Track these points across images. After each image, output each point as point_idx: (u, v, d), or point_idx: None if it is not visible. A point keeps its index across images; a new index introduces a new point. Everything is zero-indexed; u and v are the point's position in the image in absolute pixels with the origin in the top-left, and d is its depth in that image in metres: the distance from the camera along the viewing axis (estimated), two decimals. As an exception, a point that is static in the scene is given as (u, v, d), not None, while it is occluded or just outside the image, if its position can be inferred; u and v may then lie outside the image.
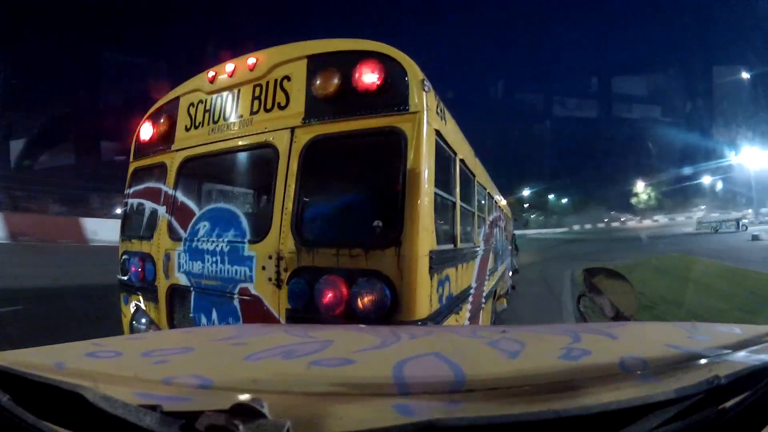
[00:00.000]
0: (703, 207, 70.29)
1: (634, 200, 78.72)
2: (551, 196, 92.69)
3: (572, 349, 1.10)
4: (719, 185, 66.73)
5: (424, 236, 1.87)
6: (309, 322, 1.92)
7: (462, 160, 2.76)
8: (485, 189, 4.32)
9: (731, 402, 0.64)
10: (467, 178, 3.09)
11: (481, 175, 3.84)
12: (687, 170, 71.81)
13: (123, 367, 0.99)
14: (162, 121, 2.84)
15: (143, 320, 2.67)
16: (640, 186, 77.63)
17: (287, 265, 2.08)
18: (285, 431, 0.54)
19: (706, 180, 67.75)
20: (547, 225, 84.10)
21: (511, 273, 8.76)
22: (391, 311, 1.82)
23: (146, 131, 2.94)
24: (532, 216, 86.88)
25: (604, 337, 1.30)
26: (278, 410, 0.59)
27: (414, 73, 1.98)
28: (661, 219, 70.94)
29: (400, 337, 1.30)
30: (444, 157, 2.25)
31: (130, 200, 3.01)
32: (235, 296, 2.24)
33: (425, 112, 1.94)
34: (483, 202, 4.13)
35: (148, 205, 2.85)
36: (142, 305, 2.72)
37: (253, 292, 2.18)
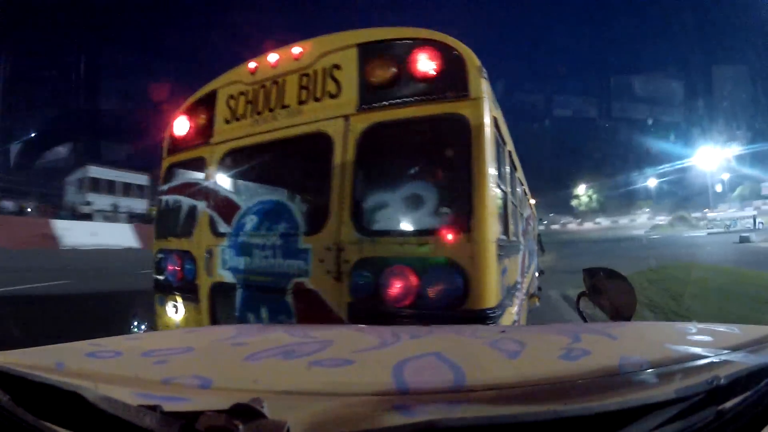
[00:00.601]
0: (647, 210, 69.01)
1: (574, 202, 76.09)
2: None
3: (572, 349, 1.10)
4: (665, 187, 66.80)
5: (493, 222, 1.84)
6: (373, 315, 1.87)
7: (510, 152, 2.70)
8: (522, 184, 4.24)
9: (731, 402, 0.64)
10: (513, 169, 3.00)
11: (519, 169, 3.72)
12: (631, 172, 71.90)
13: (123, 367, 0.99)
14: (198, 114, 2.74)
15: (181, 321, 2.59)
16: (581, 188, 75.38)
17: (348, 256, 1.99)
18: (285, 431, 0.55)
19: (651, 183, 67.28)
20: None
21: (537, 274, 8.59)
22: (462, 300, 1.77)
23: (181, 126, 2.81)
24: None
25: (604, 337, 1.30)
26: (278, 410, 0.59)
27: (472, 59, 1.96)
28: (603, 222, 68.75)
29: (400, 337, 1.30)
30: (499, 146, 2.20)
31: (166, 197, 2.89)
32: (288, 292, 2.14)
33: (485, 99, 1.92)
34: (521, 196, 3.99)
35: (186, 200, 2.74)
36: (181, 306, 2.61)
37: (310, 286, 2.08)
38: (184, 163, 2.81)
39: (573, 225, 72.92)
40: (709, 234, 35.20)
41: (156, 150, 3.34)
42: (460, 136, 1.87)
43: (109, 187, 41.45)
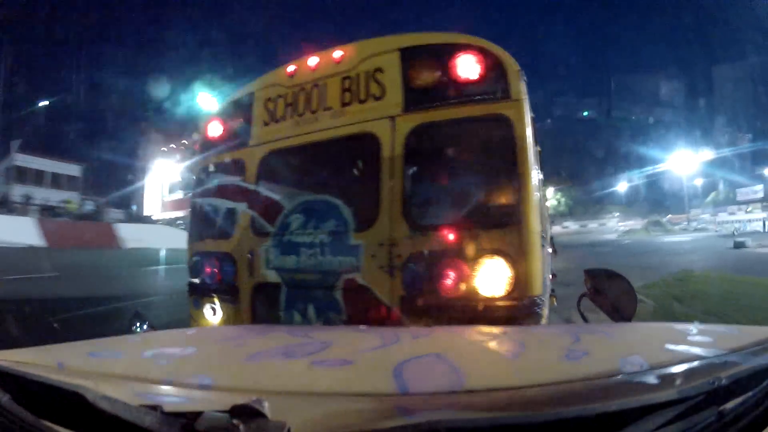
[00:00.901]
0: (617, 214, 66.72)
1: None
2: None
3: (572, 349, 1.10)
4: (636, 192, 64.36)
5: (536, 216, 1.94)
6: (426, 308, 1.95)
7: (539, 151, 2.78)
8: (545, 183, 4.42)
9: (732, 403, 0.64)
10: (541, 167, 3.08)
11: (542, 168, 3.76)
12: (601, 176, 68.69)
13: (123, 366, 0.99)
14: (234, 118, 2.77)
15: (218, 324, 2.58)
16: (549, 191, 73.17)
17: (401, 251, 2.05)
18: None
19: (621, 187, 64.44)
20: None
21: (551, 276, 8.14)
22: (513, 288, 1.86)
23: (215, 129, 2.84)
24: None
25: (605, 338, 1.30)
26: (279, 411, 0.59)
27: (511, 64, 2.07)
28: (572, 225, 63.50)
29: (401, 337, 1.30)
30: (535, 145, 2.32)
31: (200, 199, 2.88)
32: (338, 288, 2.19)
33: (525, 101, 2.04)
34: (545, 194, 4.10)
35: (224, 203, 2.73)
36: (219, 308, 2.60)
37: (361, 281, 2.13)
38: (220, 165, 2.82)
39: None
40: (693, 238, 32.09)
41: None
42: (504, 136, 1.98)
43: (37, 177, 37.32)
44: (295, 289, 2.34)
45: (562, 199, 69.09)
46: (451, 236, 1.98)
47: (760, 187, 57.23)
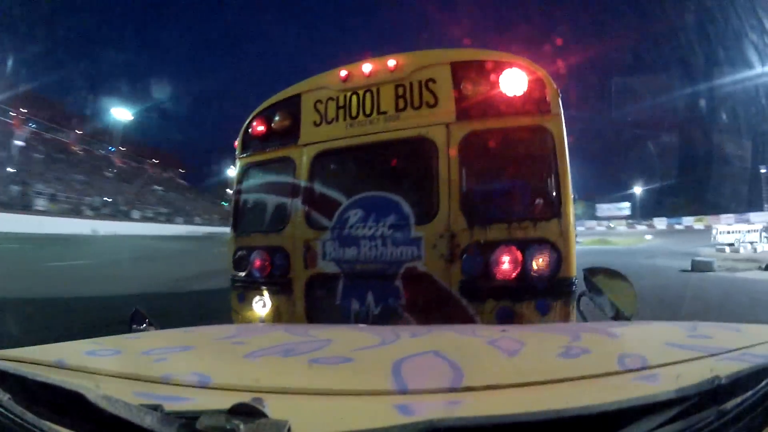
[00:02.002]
0: None
1: None
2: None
3: (572, 348, 1.10)
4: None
5: (572, 210, 2.29)
6: (482, 289, 2.26)
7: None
8: None
9: (732, 402, 0.64)
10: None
11: None
12: None
13: (123, 365, 0.99)
14: (280, 117, 2.85)
15: (268, 315, 2.68)
16: None
17: (460, 241, 2.33)
18: (285, 431, 0.54)
19: None
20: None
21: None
22: (556, 270, 2.19)
23: (260, 127, 2.93)
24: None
25: (604, 337, 1.30)
26: (279, 410, 0.59)
27: (550, 82, 2.38)
28: None
29: (400, 335, 1.30)
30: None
31: (244, 195, 3.00)
32: (399, 276, 2.41)
33: (562, 116, 2.36)
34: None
35: (272, 198, 2.88)
36: (269, 300, 2.70)
37: (422, 269, 2.37)
38: (267, 162, 2.94)
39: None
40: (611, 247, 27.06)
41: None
42: (546, 144, 2.32)
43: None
44: (354, 279, 2.51)
45: None
46: (504, 227, 2.29)
47: (627, 204, 60.00)
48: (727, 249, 19.39)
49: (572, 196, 2.33)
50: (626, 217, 59.21)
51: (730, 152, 52.27)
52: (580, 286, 2.35)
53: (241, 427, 0.53)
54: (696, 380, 0.65)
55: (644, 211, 59.54)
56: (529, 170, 2.49)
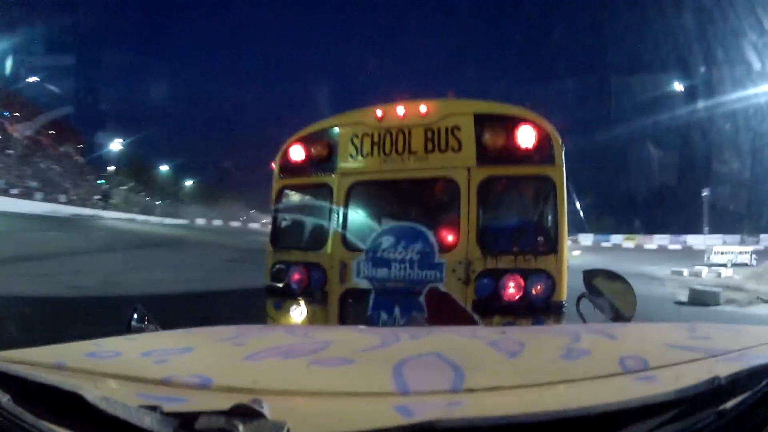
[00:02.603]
0: None
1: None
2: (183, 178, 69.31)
3: (572, 349, 1.10)
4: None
5: (566, 248, 2.73)
6: (491, 307, 2.67)
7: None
8: None
9: (731, 403, 0.64)
10: None
11: None
12: None
13: (123, 367, 0.99)
14: (318, 146, 3.13)
15: (302, 322, 3.00)
16: None
17: (475, 267, 2.74)
18: None
19: None
20: (163, 212, 61.50)
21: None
22: (550, 295, 2.62)
23: (297, 154, 3.21)
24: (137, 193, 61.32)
25: (604, 338, 1.30)
26: (278, 411, 0.59)
27: (557, 138, 2.77)
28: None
29: (400, 337, 1.30)
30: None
31: (282, 215, 3.35)
32: (423, 294, 2.80)
33: (564, 167, 2.75)
34: None
35: (309, 220, 3.22)
36: (304, 308, 3.02)
37: (442, 289, 2.79)
38: (304, 187, 3.32)
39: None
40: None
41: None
42: (549, 190, 2.77)
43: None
44: (384, 294, 2.87)
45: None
46: (512, 259, 2.70)
47: None
48: (723, 271, 17.69)
49: (566, 233, 2.79)
50: None
51: (667, 172, 51.75)
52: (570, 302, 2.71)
53: (240, 428, 0.53)
54: (695, 381, 0.65)
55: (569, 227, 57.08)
56: (533, 211, 3.05)
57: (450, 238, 2.87)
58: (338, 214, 3.04)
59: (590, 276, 2.50)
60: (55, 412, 0.63)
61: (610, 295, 2.37)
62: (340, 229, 3.03)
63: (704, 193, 44.87)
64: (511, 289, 2.66)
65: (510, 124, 2.79)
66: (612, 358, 0.96)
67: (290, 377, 0.94)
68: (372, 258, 2.95)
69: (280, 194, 3.34)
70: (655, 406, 0.61)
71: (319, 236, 3.12)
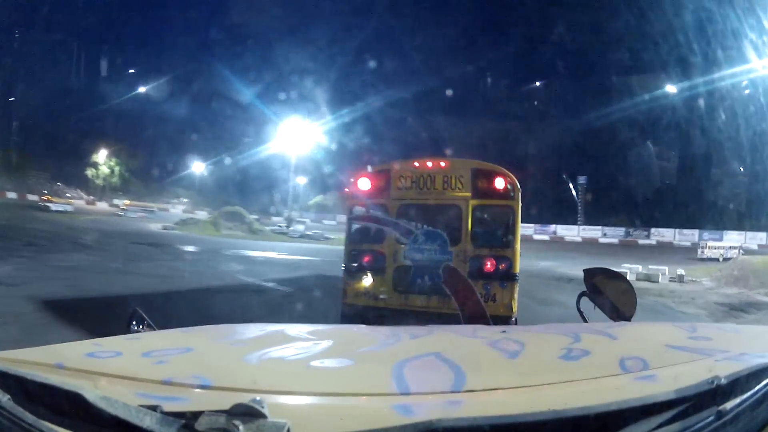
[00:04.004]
0: (185, 200, 50.60)
1: (90, 173, 51.01)
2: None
3: (572, 349, 1.10)
4: (219, 178, 49.33)
5: (519, 242, 4.73)
6: (477, 276, 4.55)
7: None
8: None
9: (731, 403, 0.64)
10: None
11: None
12: (173, 148, 50.29)
13: (123, 367, 0.99)
14: (377, 180, 5.06)
15: (369, 285, 4.86)
16: (102, 155, 50.60)
17: (469, 254, 4.67)
18: None
19: (197, 168, 49.65)
20: None
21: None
22: (509, 268, 4.57)
23: (364, 184, 5.08)
24: None
25: (604, 338, 1.30)
26: (278, 410, 0.59)
27: (515, 182, 4.74)
28: (132, 207, 44.14)
29: (400, 337, 1.30)
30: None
31: (354, 222, 5.24)
32: (440, 266, 4.70)
33: (520, 200, 4.76)
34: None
35: (373, 226, 5.02)
36: (370, 277, 4.87)
37: (450, 264, 4.68)
38: (368, 205, 5.12)
39: (82, 203, 45.76)
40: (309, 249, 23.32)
41: None
42: (510, 213, 4.79)
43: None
44: (419, 269, 4.76)
45: (117, 169, 51.06)
46: (488, 250, 4.72)
47: None
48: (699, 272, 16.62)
49: (519, 237, 4.83)
50: None
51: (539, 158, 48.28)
52: (522, 279, 4.91)
53: (241, 427, 0.53)
54: (695, 381, 0.65)
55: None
56: (501, 225, 4.97)
57: (455, 237, 4.78)
58: (391, 223, 4.93)
59: (590, 275, 2.50)
60: (55, 412, 0.63)
61: (610, 294, 2.36)
62: (393, 231, 4.92)
63: (581, 181, 44.51)
64: (488, 266, 4.65)
65: (491, 175, 4.79)
66: (612, 358, 0.96)
67: (290, 377, 0.94)
68: (412, 248, 4.81)
69: (353, 208, 5.28)
70: (654, 406, 0.61)
71: (380, 235, 4.97)
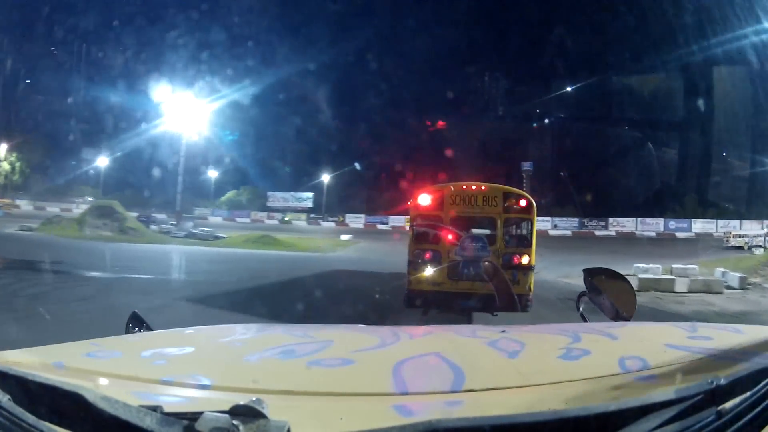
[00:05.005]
0: (90, 198, 41.75)
1: None
2: None
3: (572, 349, 1.10)
4: (122, 171, 44.72)
5: (535, 244, 6.80)
6: (508, 267, 6.51)
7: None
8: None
9: (731, 403, 0.64)
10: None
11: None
12: (79, 140, 45.25)
13: (122, 367, 0.99)
14: (434, 197, 6.83)
15: (429, 274, 6.55)
16: (2, 149, 44.58)
17: (502, 252, 6.57)
18: None
19: (101, 162, 44.93)
20: None
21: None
22: (529, 261, 6.63)
23: (424, 200, 6.85)
24: None
25: (604, 337, 1.30)
26: (279, 410, 0.59)
27: (532, 201, 6.86)
28: (25, 206, 40.55)
29: (400, 337, 1.30)
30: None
31: (416, 228, 6.86)
32: (481, 260, 6.25)
33: (536, 213, 6.92)
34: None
35: (431, 231, 6.74)
36: (430, 269, 6.55)
37: (489, 259, 6.29)
38: (427, 216, 6.82)
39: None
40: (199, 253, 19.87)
41: None
42: (529, 224, 6.95)
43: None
44: (467, 262, 6.31)
45: (18, 165, 45.42)
46: (514, 249, 6.76)
47: (310, 195, 47.16)
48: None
49: (536, 240, 6.82)
50: (308, 210, 46.62)
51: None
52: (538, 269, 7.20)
53: (241, 428, 0.53)
54: (695, 381, 0.65)
55: (335, 206, 46.12)
56: (523, 231, 7.02)
57: (492, 240, 6.60)
58: (446, 228, 6.61)
59: (590, 274, 2.50)
60: (55, 412, 0.63)
61: (610, 294, 2.36)
62: (447, 235, 6.59)
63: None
64: (515, 260, 6.58)
65: (516, 197, 6.85)
66: (612, 358, 0.96)
67: (290, 377, 0.94)
68: (461, 247, 6.39)
69: (414, 219, 6.96)
70: (654, 406, 0.61)
71: (437, 238, 6.73)
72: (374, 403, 0.80)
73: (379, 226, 40.40)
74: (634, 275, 11.65)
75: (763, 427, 0.62)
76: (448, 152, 42.22)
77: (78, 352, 1.07)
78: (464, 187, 6.79)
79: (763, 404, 0.62)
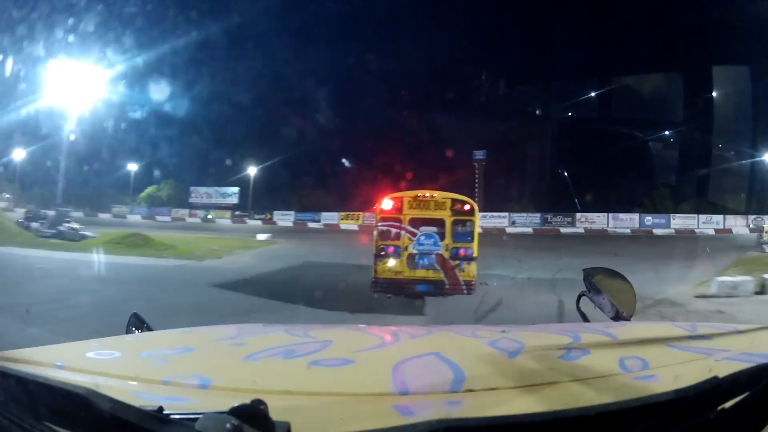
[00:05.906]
0: (8, 196, 37.26)
1: None
2: None
3: (572, 349, 1.10)
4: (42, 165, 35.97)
5: (477, 239, 8.65)
6: (455, 258, 8.31)
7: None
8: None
9: (731, 403, 0.64)
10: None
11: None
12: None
13: (123, 367, 0.99)
14: (396, 202, 8.50)
15: (392, 265, 8.24)
16: None
17: (450, 246, 8.32)
18: None
19: (18, 155, 36.64)
20: None
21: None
22: (472, 253, 8.40)
23: (387, 204, 8.50)
24: None
25: (604, 338, 1.30)
26: (279, 411, 0.59)
27: (475, 204, 8.85)
28: None
29: (400, 337, 1.30)
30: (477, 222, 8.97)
31: (381, 226, 8.43)
32: (434, 253, 8.24)
33: (478, 214, 9.01)
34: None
35: (393, 230, 8.33)
36: (392, 260, 8.20)
37: (440, 252, 8.26)
38: (390, 218, 8.42)
39: None
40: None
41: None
42: (472, 224, 8.70)
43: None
44: (421, 254, 8.26)
45: None
46: (461, 243, 8.51)
47: (235, 189, 41.40)
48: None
49: (478, 236, 8.76)
50: (233, 207, 41.60)
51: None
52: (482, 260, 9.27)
53: (242, 428, 0.53)
54: (695, 381, 0.65)
55: (264, 202, 40.79)
56: (467, 229, 8.56)
57: (442, 237, 8.29)
58: (403, 227, 8.30)
59: (590, 274, 2.49)
60: (56, 413, 0.63)
61: (610, 294, 2.36)
62: (405, 234, 8.25)
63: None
64: (460, 252, 8.25)
65: (461, 202, 8.49)
66: (612, 358, 0.96)
67: (290, 377, 0.94)
68: (417, 242, 8.21)
69: (380, 221, 8.49)
70: (654, 406, 0.61)
71: (398, 235, 8.31)
72: (374, 403, 0.80)
73: (310, 224, 35.73)
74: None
75: (762, 426, 0.62)
76: (393, 145, 37.89)
77: (78, 353, 1.07)
78: (418, 195, 8.68)
79: (764, 404, 0.62)
